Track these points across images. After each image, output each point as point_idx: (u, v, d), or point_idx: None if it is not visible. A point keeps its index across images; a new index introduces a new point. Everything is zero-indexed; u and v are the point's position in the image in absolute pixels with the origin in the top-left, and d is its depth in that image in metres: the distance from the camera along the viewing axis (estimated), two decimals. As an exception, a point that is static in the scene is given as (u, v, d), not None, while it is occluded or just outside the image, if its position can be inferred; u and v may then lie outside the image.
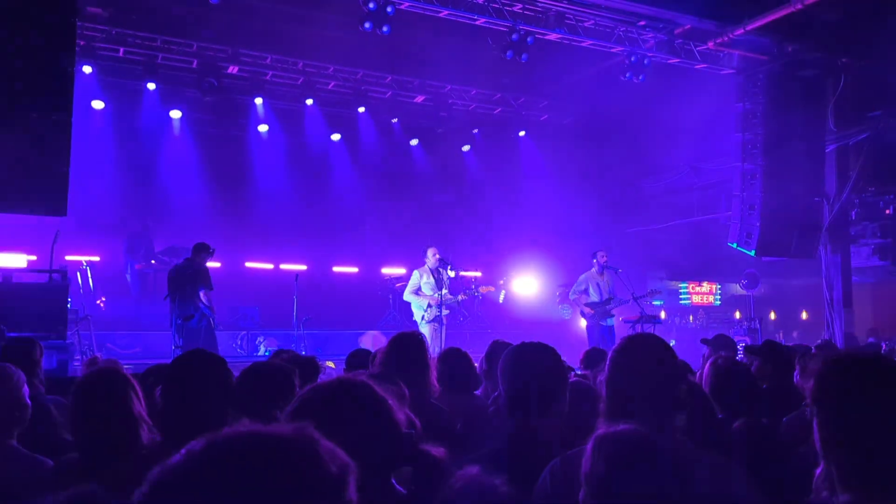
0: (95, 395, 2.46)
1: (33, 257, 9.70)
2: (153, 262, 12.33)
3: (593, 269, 10.27)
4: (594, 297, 10.18)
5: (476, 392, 4.18)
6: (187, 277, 8.57)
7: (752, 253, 10.88)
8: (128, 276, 12.45)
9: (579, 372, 4.42)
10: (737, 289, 16.93)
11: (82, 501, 1.34)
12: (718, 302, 18.45)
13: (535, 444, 2.50)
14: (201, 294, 8.58)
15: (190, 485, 0.83)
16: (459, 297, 10.15)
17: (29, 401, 2.86)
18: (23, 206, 6.30)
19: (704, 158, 12.89)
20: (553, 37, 10.28)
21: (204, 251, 8.68)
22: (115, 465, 2.21)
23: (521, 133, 14.94)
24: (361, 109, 13.58)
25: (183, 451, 0.87)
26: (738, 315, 14.37)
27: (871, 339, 11.89)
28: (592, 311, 10.14)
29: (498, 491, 1.53)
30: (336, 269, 14.27)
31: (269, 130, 13.56)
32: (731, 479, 2.06)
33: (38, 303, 7.30)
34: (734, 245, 11.12)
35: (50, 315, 7.25)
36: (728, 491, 1.98)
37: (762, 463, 2.70)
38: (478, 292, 10.87)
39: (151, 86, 11.98)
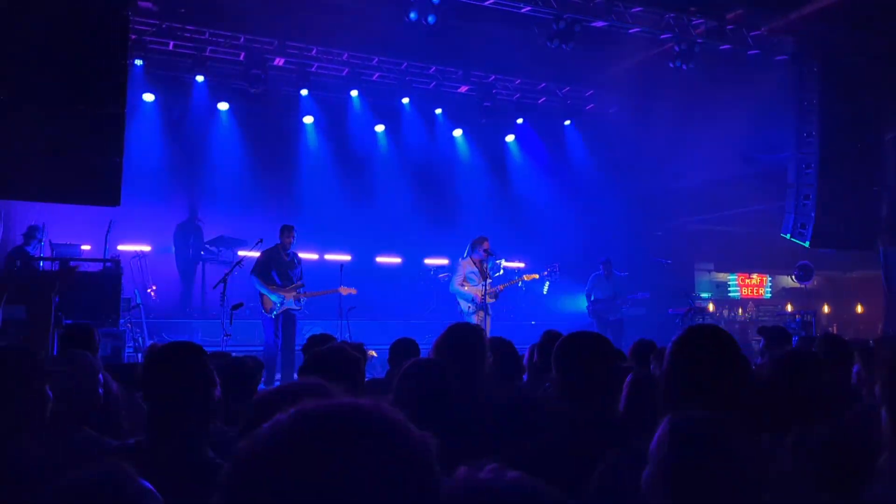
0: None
1: (88, 246, 9.96)
2: (202, 251, 12.56)
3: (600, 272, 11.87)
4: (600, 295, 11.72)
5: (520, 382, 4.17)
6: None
7: (807, 244, 10.58)
8: (178, 266, 12.70)
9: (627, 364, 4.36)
10: (788, 281, 16.52)
11: (110, 477, 1.35)
12: (769, 294, 18.03)
13: (591, 434, 2.46)
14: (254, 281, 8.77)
15: (280, 456, 0.82)
16: (502, 287, 10.11)
17: (102, 388, 2.90)
18: (78, 197, 6.45)
19: (756, 148, 12.56)
20: (600, 24, 10.11)
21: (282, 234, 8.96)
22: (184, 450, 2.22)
23: (567, 122, 14.79)
24: (405, 100, 13.59)
25: (270, 423, 0.87)
26: (789, 308, 14.01)
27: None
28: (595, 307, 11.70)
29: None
30: (379, 259, 14.32)
31: (314, 122, 13.68)
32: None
33: (93, 291, 7.48)
34: (787, 236, 10.83)
35: (104, 303, 7.43)
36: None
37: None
38: (521, 281, 10.80)
39: (200, 78, 12.18)
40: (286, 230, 8.98)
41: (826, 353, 4.18)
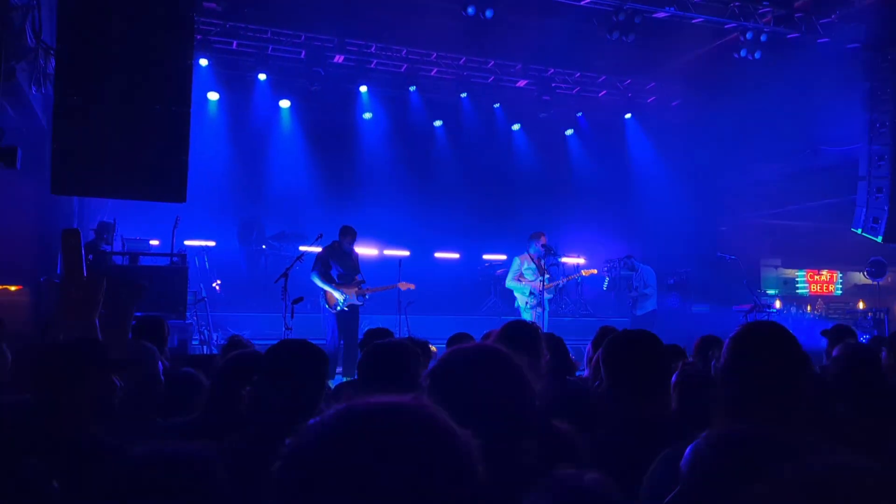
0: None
1: (156, 241, 10.30)
2: (264, 246, 12.84)
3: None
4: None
5: (569, 378, 4.15)
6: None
7: (879, 239, 10.13)
8: (241, 261, 13.03)
9: (691, 360, 4.27)
10: (860, 277, 15.87)
11: (190, 459, 1.40)
12: (839, 291, 17.37)
13: (641, 432, 2.43)
14: (314, 278, 8.91)
15: (324, 454, 0.85)
16: (561, 282, 10.03)
17: (163, 376, 3.02)
18: (147, 193, 6.66)
19: (826, 140, 12.10)
20: (661, 14, 9.90)
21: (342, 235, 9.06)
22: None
23: (627, 116, 14.54)
24: (464, 95, 13.59)
25: (315, 421, 0.90)
26: (861, 305, 13.48)
27: None
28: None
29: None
30: (438, 254, 14.38)
31: (373, 118, 13.82)
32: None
33: (161, 284, 7.74)
34: (859, 231, 10.39)
35: (171, 296, 7.68)
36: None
37: None
38: (579, 276, 10.70)
39: (262, 76, 12.45)
40: (348, 232, 9.04)
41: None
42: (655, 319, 10.98)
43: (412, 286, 9.52)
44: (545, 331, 9.01)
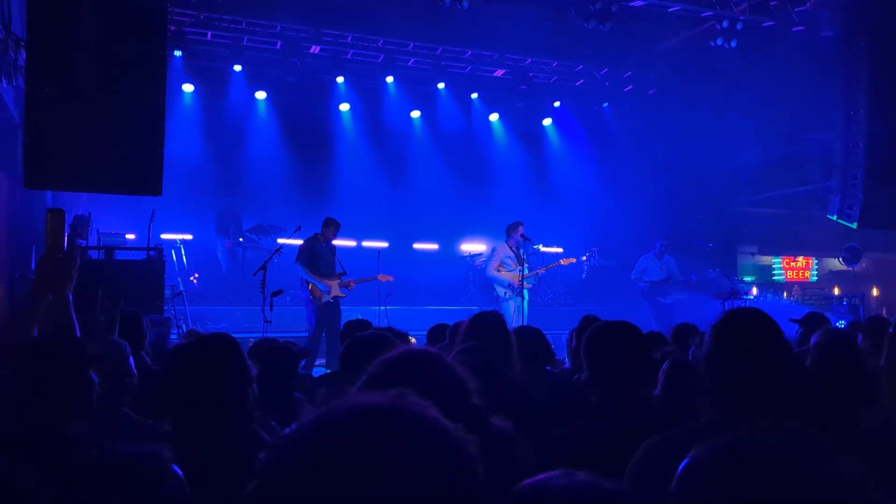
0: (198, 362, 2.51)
1: (132, 235, 10.18)
2: (241, 239, 12.74)
3: (652, 252, 11.46)
4: (653, 277, 11.32)
5: (549, 368, 4.16)
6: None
7: (854, 226, 10.28)
8: (219, 254, 12.91)
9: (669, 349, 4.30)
10: (836, 264, 16.11)
11: (147, 458, 1.38)
12: (815, 277, 17.60)
13: (623, 422, 2.45)
14: (299, 270, 8.95)
15: (310, 462, 0.79)
16: (540, 271, 10.08)
17: (136, 370, 3.02)
18: (121, 187, 6.57)
19: (802, 128, 12.22)
20: (638, 3, 9.93)
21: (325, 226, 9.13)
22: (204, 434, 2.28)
23: (605, 105, 14.59)
24: (441, 85, 13.55)
25: (291, 430, 0.83)
26: (837, 291, 13.68)
27: None
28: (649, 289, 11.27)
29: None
30: (417, 245, 14.36)
31: (350, 109, 13.73)
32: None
33: (138, 279, 7.65)
34: (834, 217, 10.54)
35: (148, 290, 7.59)
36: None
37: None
38: (558, 265, 10.76)
39: (238, 68, 12.33)
40: (331, 225, 9.08)
41: (872, 336, 4.07)
42: (674, 310, 11.05)
43: (391, 278, 9.57)
44: (525, 320, 9.09)
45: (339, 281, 9.07)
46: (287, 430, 0.84)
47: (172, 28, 10.59)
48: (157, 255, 8.20)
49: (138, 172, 6.32)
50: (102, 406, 2.51)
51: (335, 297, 9.04)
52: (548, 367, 4.10)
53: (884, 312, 12.55)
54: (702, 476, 1.05)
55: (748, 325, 2.07)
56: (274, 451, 0.82)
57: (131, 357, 3.10)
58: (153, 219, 8.72)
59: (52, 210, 2.83)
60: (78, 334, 2.70)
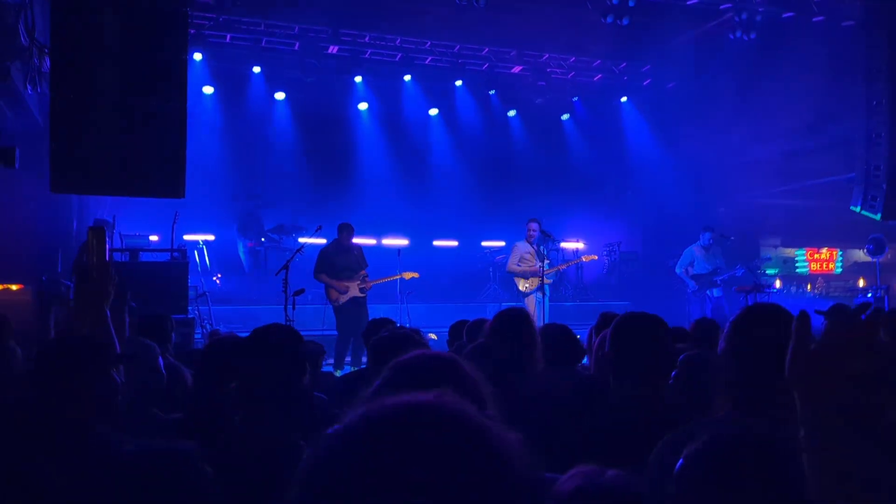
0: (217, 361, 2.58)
1: (156, 237, 10.32)
2: (263, 239, 12.86)
3: (699, 244, 10.80)
4: (700, 269, 10.73)
5: (579, 364, 4.14)
6: None
7: (878, 217, 10.13)
8: (241, 254, 13.05)
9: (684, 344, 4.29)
10: (860, 255, 15.91)
11: (174, 456, 1.42)
12: (839, 269, 17.40)
13: (646, 417, 2.46)
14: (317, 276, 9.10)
15: (352, 464, 0.81)
16: (561, 267, 10.07)
17: (164, 370, 3.07)
18: (145, 190, 6.66)
19: (824, 119, 12.08)
20: (656, -4, 9.87)
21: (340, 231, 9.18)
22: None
23: (623, 99, 14.52)
24: (459, 83, 13.58)
25: (336, 429, 0.86)
26: (861, 283, 13.52)
27: None
28: (697, 283, 10.71)
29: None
30: (437, 242, 14.40)
31: (368, 108, 13.80)
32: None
33: (162, 280, 7.76)
34: (857, 209, 10.39)
35: (172, 291, 7.70)
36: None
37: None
38: (579, 261, 10.73)
39: (257, 69, 12.45)
40: (346, 229, 9.13)
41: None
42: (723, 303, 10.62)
43: (416, 275, 9.58)
44: (547, 316, 9.08)
45: (357, 282, 9.09)
46: (332, 429, 0.86)
47: (192, 31, 10.69)
48: (181, 256, 8.33)
49: (161, 175, 6.40)
50: (130, 405, 2.57)
51: (354, 298, 9.07)
52: (576, 365, 4.07)
53: (910, 304, 12.39)
54: (689, 472, 1.20)
55: (765, 319, 2.08)
56: (322, 448, 0.84)
57: (160, 357, 3.15)
58: (176, 221, 8.85)
59: (93, 228, 2.89)
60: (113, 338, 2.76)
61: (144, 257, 8.51)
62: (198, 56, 11.69)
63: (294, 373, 2.37)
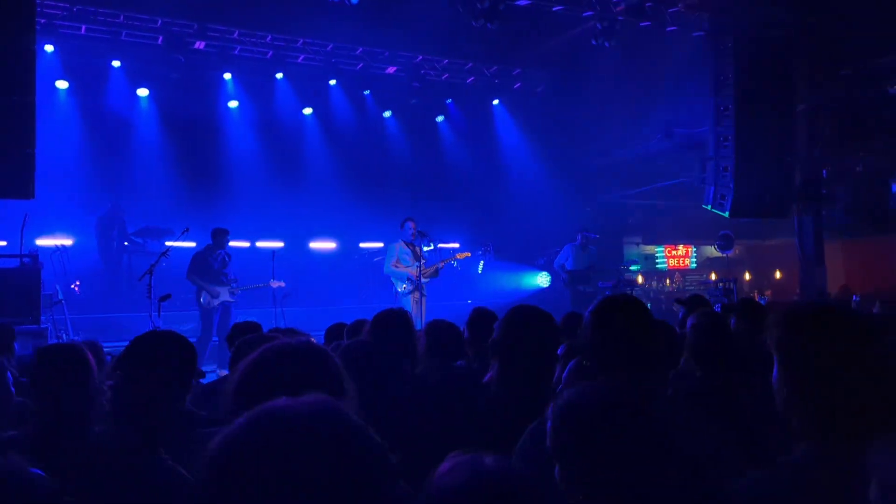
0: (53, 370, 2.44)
1: (3, 242, 9.55)
2: (126, 243, 12.19)
3: (575, 243, 11.71)
4: (576, 266, 11.59)
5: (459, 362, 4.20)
6: None
7: (727, 214, 10.98)
8: (101, 259, 12.28)
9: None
10: (712, 251, 17.15)
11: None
12: (694, 264, 18.67)
13: (528, 409, 2.53)
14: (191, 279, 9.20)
15: (250, 462, 0.87)
16: (437, 267, 10.19)
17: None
18: (-11, 190, 6.19)
19: (678, 123, 12.93)
20: (523, 2, 10.18)
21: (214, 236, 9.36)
22: (65, 444, 2.20)
23: (495, 102, 14.89)
24: (333, 82, 13.44)
25: (232, 429, 0.91)
26: (713, 276, 14.57)
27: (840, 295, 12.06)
28: (570, 280, 11.57)
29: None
30: (313, 244, 14.19)
31: (239, 106, 13.39)
32: (707, 437, 2.09)
33: (10, 287, 7.20)
34: (709, 207, 11.21)
35: (23, 300, 7.17)
36: (704, 450, 2.00)
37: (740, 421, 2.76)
38: (454, 260, 10.90)
39: (116, 63, 11.78)
40: (221, 234, 9.30)
41: (742, 317, 4.40)
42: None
43: (282, 283, 9.83)
44: (424, 315, 9.16)
45: (228, 287, 9.32)
46: (223, 432, 0.92)
47: (42, 20, 9.98)
48: (32, 261, 7.73)
49: (7, 175, 5.96)
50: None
51: (224, 303, 9.24)
52: (459, 362, 4.11)
53: (755, 295, 13.50)
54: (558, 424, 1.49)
55: (620, 309, 2.21)
56: (220, 445, 0.90)
57: (9, 373, 2.91)
58: (26, 223, 8.20)
59: None
60: None
61: (-11, 264, 7.84)
62: (49, 48, 10.90)
63: (175, 386, 2.26)
